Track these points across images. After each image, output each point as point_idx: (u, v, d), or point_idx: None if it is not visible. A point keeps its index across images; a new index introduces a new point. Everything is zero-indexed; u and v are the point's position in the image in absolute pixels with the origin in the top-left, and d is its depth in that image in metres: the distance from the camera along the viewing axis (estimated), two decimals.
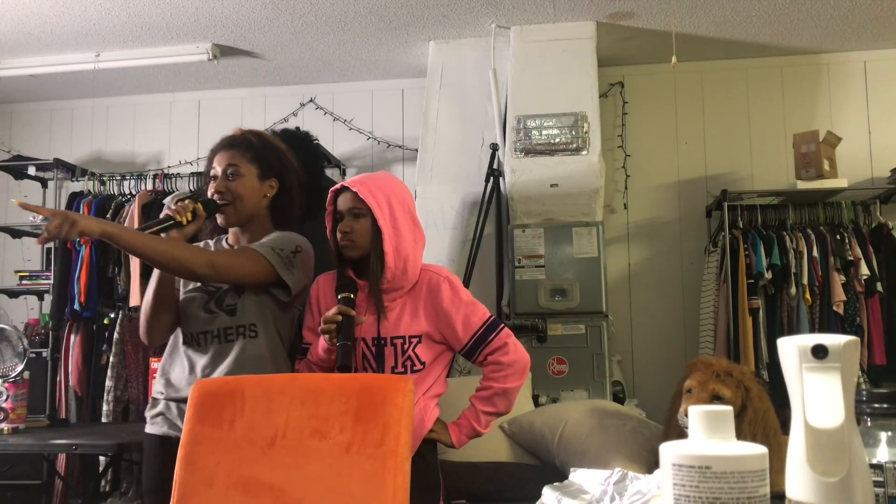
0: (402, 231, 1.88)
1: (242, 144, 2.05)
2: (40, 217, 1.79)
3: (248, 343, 1.96)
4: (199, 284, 2.02)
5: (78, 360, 4.41)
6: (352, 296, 1.85)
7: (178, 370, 2.02)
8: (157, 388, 2.05)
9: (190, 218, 1.91)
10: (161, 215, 1.93)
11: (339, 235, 1.90)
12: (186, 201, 1.92)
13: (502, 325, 1.94)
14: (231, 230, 2.11)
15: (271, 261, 1.94)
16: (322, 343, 1.84)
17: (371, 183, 1.89)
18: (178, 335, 2.06)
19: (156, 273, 1.93)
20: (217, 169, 2.03)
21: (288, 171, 2.12)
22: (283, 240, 2.01)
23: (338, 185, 1.92)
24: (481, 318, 1.91)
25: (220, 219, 2.02)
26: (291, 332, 2.08)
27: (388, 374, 1.86)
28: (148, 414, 2.05)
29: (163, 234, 1.88)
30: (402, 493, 1.38)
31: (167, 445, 1.90)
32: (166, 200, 4.29)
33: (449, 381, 2.03)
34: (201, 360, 1.98)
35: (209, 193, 2.03)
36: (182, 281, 2.05)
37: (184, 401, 1.82)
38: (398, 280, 1.87)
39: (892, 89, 4.52)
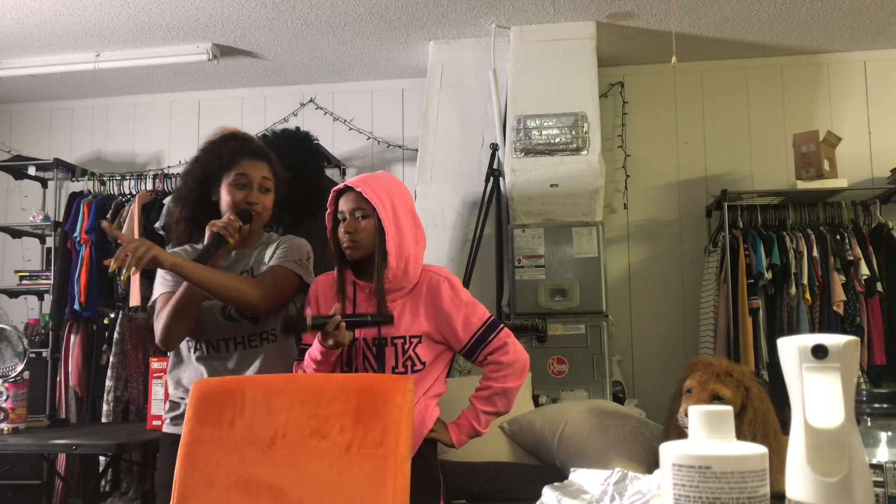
0: (405, 232, 1.88)
1: (270, 160, 2.14)
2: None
3: (270, 347, 2.04)
4: None
5: (78, 360, 4.40)
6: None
7: (192, 375, 2.05)
8: (177, 393, 2.10)
9: (237, 236, 2.00)
10: (207, 235, 1.98)
11: (342, 236, 1.89)
12: (232, 218, 1.99)
13: (502, 325, 1.94)
14: None
15: (300, 273, 2.05)
16: (317, 345, 1.84)
17: (374, 183, 1.89)
18: (187, 342, 2.08)
19: (185, 283, 1.95)
20: (249, 177, 2.07)
21: (283, 190, 2.21)
22: (297, 249, 2.09)
23: (340, 186, 1.91)
24: (481, 318, 1.92)
25: (246, 230, 2.06)
26: None
27: (388, 374, 1.86)
28: (167, 415, 2.10)
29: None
30: (402, 493, 1.38)
31: None
32: (166, 200, 4.29)
33: (449, 381, 2.03)
34: (224, 367, 2.03)
35: (234, 199, 2.05)
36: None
37: None
38: (399, 280, 1.87)
39: (892, 89, 4.52)
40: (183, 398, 2.07)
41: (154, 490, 2.20)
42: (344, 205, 1.90)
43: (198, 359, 2.05)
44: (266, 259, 2.08)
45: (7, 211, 5.13)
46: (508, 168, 3.90)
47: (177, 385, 2.10)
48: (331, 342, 1.78)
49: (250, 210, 2.05)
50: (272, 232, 2.24)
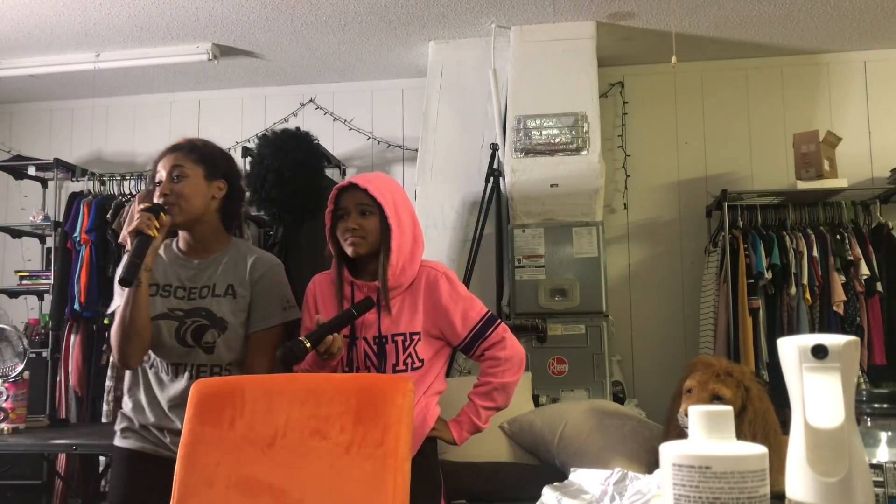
0: (405, 230, 1.89)
1: (186, 147, 2.00)
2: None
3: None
4: (165, 310, 1.94)
5: (78, 360, 4.40)
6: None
7: (143, 392, 1.96)
8: (125, 407, 2.00)
9: (158, 225, 1.86)
10: (129, 236, 1.85)
11: (343, 233, 1.88)
12: (145, 214, 1.86)
13: (499, 320, 1.96)
14: (184, 238, 2.03)
15: (288, 319, 1.98)
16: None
17: (378, 181, 1.89)
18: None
19: (127, 296, 1.86)
20: (162, 173, 1.95)
21: (237, 174, 2.08)
22: (279, 291, 1.99)
23: (344, 183, 1.90)
24: (479, 312, 1.93)
25: (166, 220, 1.90)
26: None
27: (389, 371, 1.87)
28: (117, 427, 2.01)
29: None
30: (402, 493, 1.38)
31: (135, 458, 1.93)
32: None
33: (449, 380, 2.04)
34: (171, 390, 1.92)
35: (155, 198, 1.94)
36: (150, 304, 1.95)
37: (153, 426, 1.91)
38: (397, 278, 1.88)
39: (892, 89, 4.52)
40: (129, 417, 1.98)
41: None
42: (347, 201, 1.88)
43: (151, 373, 1.95)
44: (237, 281, 1.96)
45: (7, 211, 5.13)
46: (508, 168, 3.90)
47: (127, 396, 1.98)
48: (326, 356, 1.78)
49: (158, 200, 1.92)
50: (239, 238, 2.10)
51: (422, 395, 1.89)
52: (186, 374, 1.92)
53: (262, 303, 1.96)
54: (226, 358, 1.94)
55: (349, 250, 1.88)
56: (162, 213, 1.88)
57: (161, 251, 2.01)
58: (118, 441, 1.99)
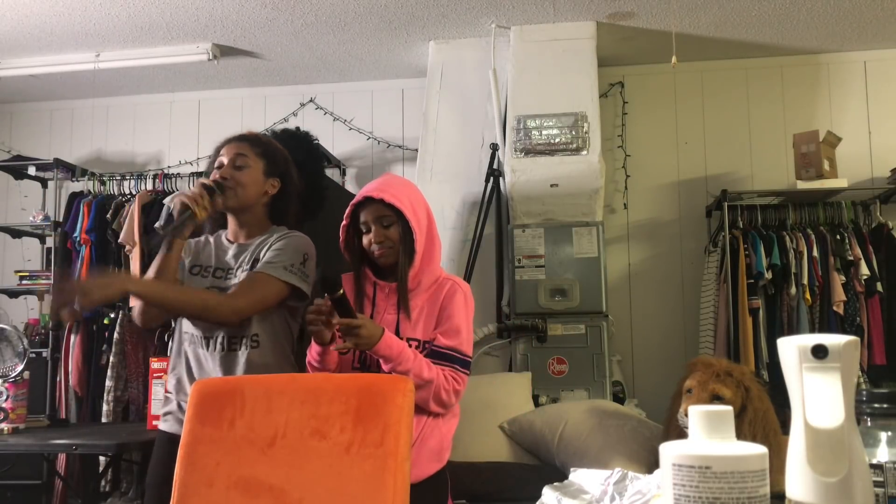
0: (424, 231, 1.90)
1: (252, 139, 2.11)
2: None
3: (252, 353, 1.99)
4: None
5: (78, 360, 4.41)
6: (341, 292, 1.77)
7: (184, 370, 2.04)
8: (169, 384, 2.08)
9: (207, 206, 1.94)
10: (178, 204, 1.92)
11: (370, 246, 1.89)
12: (199, 191, 1.93)
13: (468, 371, 1.90)
14: (230, 224, 2.13)
15: (287, 280, 1.97)
16: (315, 346, 1.84)
17: (392, 189, 1.89)
18: (181, 332, 2.07)
19: (156, 260, 1.95)
20: (224, 158, 2.06)
21: (291, 177, 2.16)
22: (291, 253, 2.01)
23: (359, 198, 1.90)
24: (464, 348, 1.88)
25: (218, 201, 2.00)
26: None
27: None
28: (161, 411, 2.10)
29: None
30: (402, 493, 1.38)
31: (176, 443, 1.94)
32: (165, 201, 4.29)
33: None
34: (207, 365, 2.00)
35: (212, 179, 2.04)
36: (183, 274, 2.06)
37: None
38: (416, 278, 1.89)
39: (892, 89, 4.52)
40: (170, 393, 2.06)
41: None
42: (367, 215, 1.89)
43: (189, 349, 2.04)
44: (261, 256, 2.03)
45: (7, 211, 5.13)
46: (508, 168, 3.89)
47: (170, 373, 2.09)
48: (310, 327, 1.75)
49: (220, 182, 2.01)
50: (283, 226, 2.16)
51: (441, 420, 1.88)
52: (219, 347, 1.99)
53: (271, 255, 2.01)
54: (252, 328, 2.00)
55: (380, 262, 1.90)
56: (216, 195, 1.96)
57: (211, 238, 2.14)
58: (160, 424, 2.06)
